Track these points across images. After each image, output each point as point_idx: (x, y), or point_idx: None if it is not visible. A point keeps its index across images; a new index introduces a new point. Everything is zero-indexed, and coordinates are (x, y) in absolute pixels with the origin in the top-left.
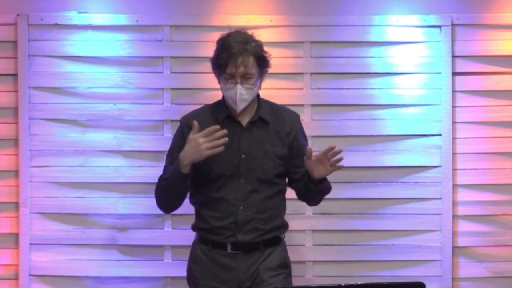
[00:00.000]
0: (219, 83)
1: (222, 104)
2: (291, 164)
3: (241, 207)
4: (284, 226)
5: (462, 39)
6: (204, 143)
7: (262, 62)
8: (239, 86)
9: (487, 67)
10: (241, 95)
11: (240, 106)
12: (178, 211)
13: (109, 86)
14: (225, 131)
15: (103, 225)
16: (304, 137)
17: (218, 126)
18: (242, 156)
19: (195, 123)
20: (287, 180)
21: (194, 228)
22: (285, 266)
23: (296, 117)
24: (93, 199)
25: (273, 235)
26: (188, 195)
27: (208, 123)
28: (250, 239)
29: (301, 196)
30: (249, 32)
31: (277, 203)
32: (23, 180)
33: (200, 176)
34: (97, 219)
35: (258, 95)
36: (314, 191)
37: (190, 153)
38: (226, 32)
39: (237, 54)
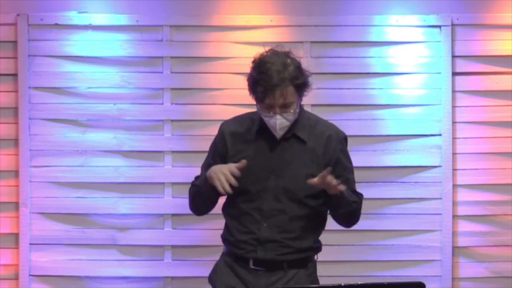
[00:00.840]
0: (256, 104)
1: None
2: None
3: (265, 225)
4: (315, 248)
5: (462, 39)
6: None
7: (301, 88)
8: (278, 117)
9: (487, 67)
10: (281, 124)
11: (281, 133)
12: (178, 211)
13: (109, 86)
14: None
15: (103, 225)
16: (347, 158)
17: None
18: (271, 172)
19: (244, 162)
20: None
21: (223, 239)
22: None
23: (338, 137)
24: (93, 199)
25: (299, 256)
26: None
27: (240, 132)
28: (271, 257)
29: (334, 216)
30: (285, 51)
31: (308, 224)
32: (23, 180)
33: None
34: (97, 219)
35: (301, 108)
36: (332, 205)
37: (213, 175)
38: (262, 51)
39: (275, 87)
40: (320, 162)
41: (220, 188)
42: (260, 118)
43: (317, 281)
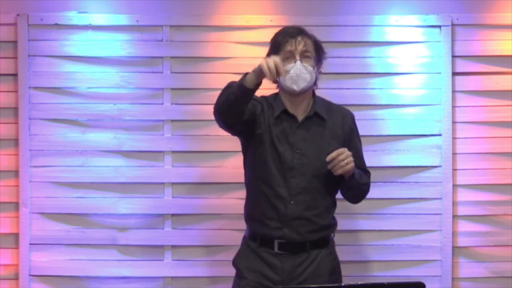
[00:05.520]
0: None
1: (278, 98)
2: None
3: (292, 202)
4: (333, 225)
5: (462, 39)
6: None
7: (319, 47)
8: (298, 62)
9: (487, 67)
10: (302, 72)
11: (301, 85)
12: (178, 211)
13: (109, 86)
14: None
15: (103, 225)
16: (358, 137)
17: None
18: (297, 151)
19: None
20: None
21: (246, 218)
22: (334, 272)
23: (351, 115)
24: (93, 199)
25: (321, 235)
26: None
27: (267, 112)
28: (297, 237)
29: (344, 194)
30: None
31: (329, 200)
32: (23, 180)
33: (256, 159)
34: (97, 219)
35: (313, 92)
36: (344, 186)
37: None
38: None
39: (296, 34)
40: (340, 139)
41: (265, 67)
42: (280, 100)
43: (337, 259)
